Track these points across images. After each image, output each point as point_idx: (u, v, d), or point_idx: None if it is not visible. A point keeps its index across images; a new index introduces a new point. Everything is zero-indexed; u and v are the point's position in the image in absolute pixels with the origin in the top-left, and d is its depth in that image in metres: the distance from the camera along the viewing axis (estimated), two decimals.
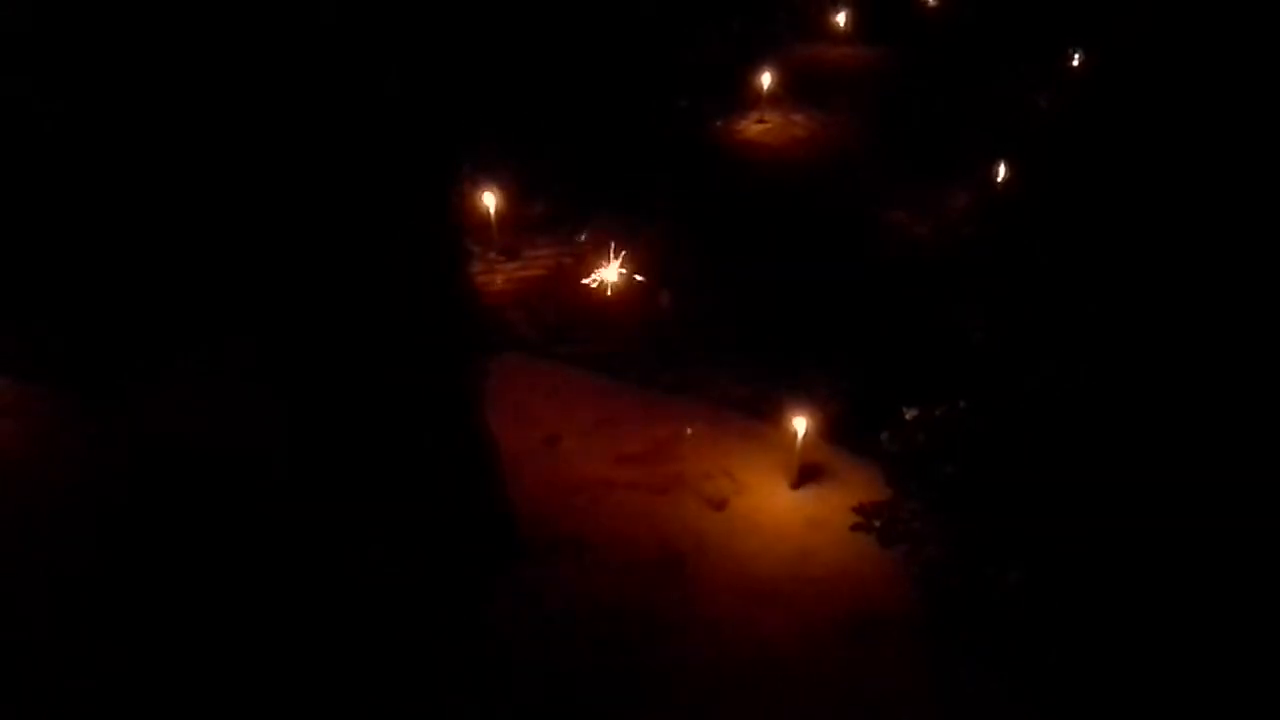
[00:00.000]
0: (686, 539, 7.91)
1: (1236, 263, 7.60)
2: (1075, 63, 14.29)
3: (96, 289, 7.88)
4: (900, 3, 16.92)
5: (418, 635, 6.95)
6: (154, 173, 7.16)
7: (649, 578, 7.59)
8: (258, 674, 6.58)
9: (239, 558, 7.12)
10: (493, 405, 7.72)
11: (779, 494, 8.33)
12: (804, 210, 11.95)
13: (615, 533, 7.93)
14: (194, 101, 6.67)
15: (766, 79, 13.92)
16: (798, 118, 13.97)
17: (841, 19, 16.17)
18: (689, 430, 8.74)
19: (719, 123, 13.73)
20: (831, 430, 8.65)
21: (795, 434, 8.15)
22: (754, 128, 13.71)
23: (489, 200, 10.94)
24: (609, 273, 10.58)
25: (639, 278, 10.59)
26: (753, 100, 13.98)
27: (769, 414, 8.86)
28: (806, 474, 8.39)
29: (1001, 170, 12.04)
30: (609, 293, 10.53)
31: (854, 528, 7.89)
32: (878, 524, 7.83)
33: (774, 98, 14.08)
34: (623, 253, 10.66)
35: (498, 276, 10.86)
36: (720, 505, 8.21)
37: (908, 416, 7.91)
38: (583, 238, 11.18)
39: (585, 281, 10.58)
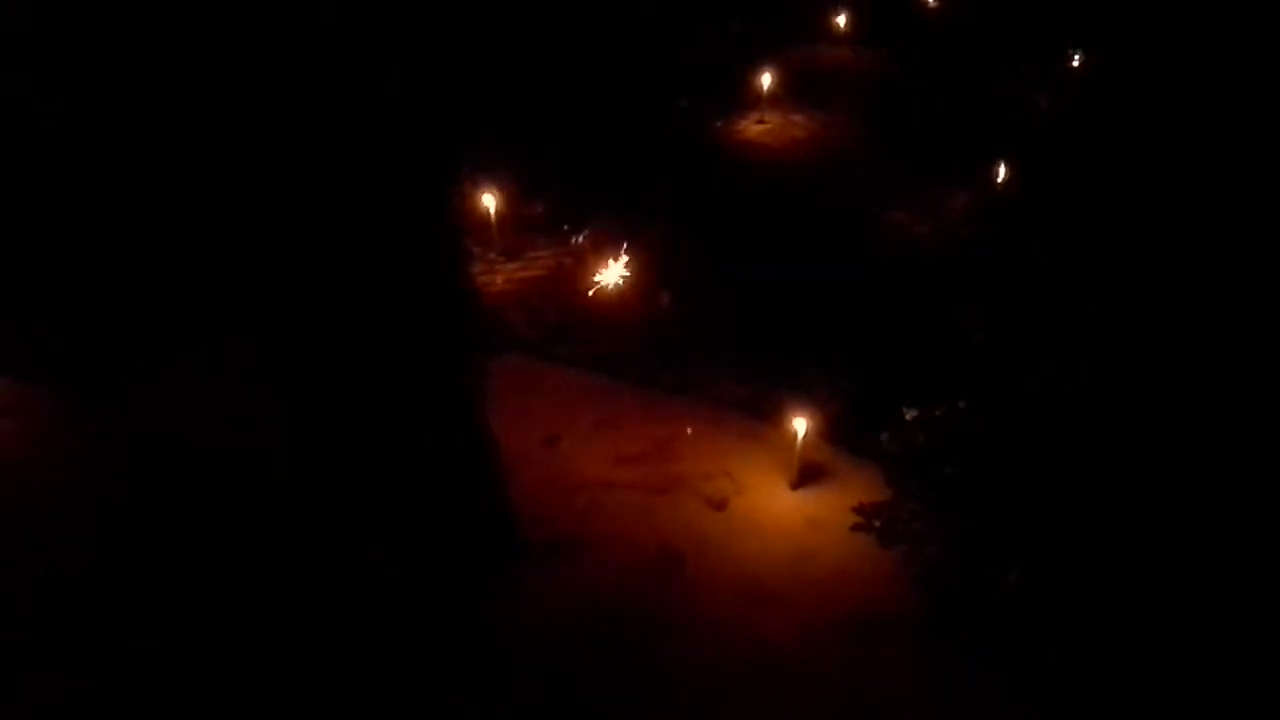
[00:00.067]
0: (686, 539, 7.90)
1: (1236, 263, 7.59)
2: (1075, 63, 14.29)
3: (96, 289, 7.87)
4: (900, 3, 16.93)
5: (418, 635, 6.95)
6: (154, 173, 7.16)
7: (649, 578, 7.59)
8: (258, 674, 6.57)
9: (239, 558, 7.12)
10: (493, 405, 7.72)
11: (779, 494, 8.33)
12: (804, 210, 11.95)
13: (615, 533, 7.93)
14: (194, 101, 6.67)
15: (766, 79, 13.92)
16: (798, 118, 13.97)
17: (841, 19, 16.17)
18: (689, 430, 8.74)
19: (719, 123, 13.74)
20: (831, 430, 8.65)
21: (795, 434, 8.15)
22: (754, 128, 13.72)
23: (489, 200, 10.94)
24: (610, 275, 10.59)
25: (629, 265, 10.59)
26: (753, 100, 13.98)
27: (769, 414, 8.86)
28: (806, 474, 8.39)
29: (1001, 170, 12.05)
30: (608, 290, 10.53)
31: (854, 528, 7.88)
32: (878, 524, 7.83)
33: (774, 98, 14.09)
34: (623, 254, 10.66)
35: (498, 276, 10.86)
36: (720, 505, 8.21)
37: (908, 417, 7.91)
38: (580, 239, 11.18)
39: (590, 292, 10.58)
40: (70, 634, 6.77)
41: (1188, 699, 6.30)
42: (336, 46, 6.33)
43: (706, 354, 9.91)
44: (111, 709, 6.41)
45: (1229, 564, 6.43)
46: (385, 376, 6.99)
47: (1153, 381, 7.14)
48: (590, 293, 10.53)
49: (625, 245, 10.75)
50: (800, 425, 8.13)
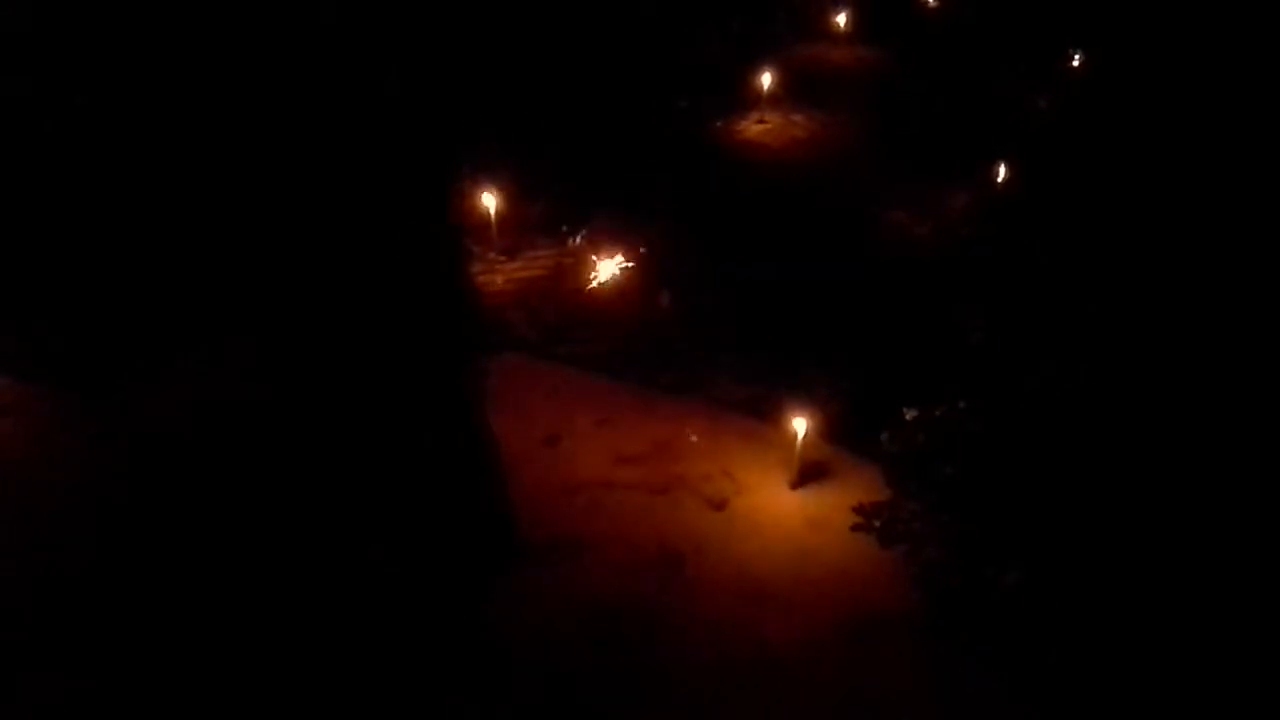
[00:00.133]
0: (686, 539, 7.90)
1: (1236, 263, 7.59)
2: (1075, 63, 14.29)
3: (96, 289, 7.88)
4: (900, 3, 16.93)
5: (418, 635, 6.95)
6: (154, 173, 7.17)
7: (649, 578, 7.59)
8: (258, 674, 6.57)
9: (239, 558, 7.12)
10: (493, 405, 7.73)
11: (779, 494, 8.33)
12: (804, 210, 11.95)
13: (615, 533, 7.93)
14: (194, 102, 6.67)
15: (766, 79, 13.92)
16: (798, 118, 13.97)
17: (842, 19, 16.16)
18: (694, 438, 8.70)
19: (719, 123, 13.73)
20: (831, 430, 8.65)
21: (795, 434, 8.15)
22: (754, 128, 13.71)
23: (489, 200, 10.94)
24: (606, 271, 10.58)
25: (629, 264, 10.58)
26: (753, 100, 13.98)
27: (769, 414, 8.86)
28: (806, 474, 8.39)
29: (1001, 171, 12.05)
30: (608, 290, 10.52)
31: (854, 528, 7.87)
32: (878, 524, 7.82)
33: (774, 98, 14.08)
34: (620, 252, 10.66)
35: (498, 276, 10.86)
36: (720, 506, 8.21)
37: (908, 417, 7.90)
38: (580, 239, 11.18)
39: (589, 287, 10.59)
40: (70, 634, 6.77)
41: (1188, 698, 6.30)
42: (337, 46, 6.34)
43: (706, 354, 9.91)
44: (111, 709, 6.41)
45: (1229, 564, 6.43)
46: (385, 376, 6.99)
47: (1153, 381, 7.14)
48: (587, 289, 10.53)
49: (623, 243, 10.75)
50: (800, 425, 8.13)
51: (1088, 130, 11.14)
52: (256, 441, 7.52)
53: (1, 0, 6.97)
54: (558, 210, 11.61)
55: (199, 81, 6.58)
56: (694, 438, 8.69)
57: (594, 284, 10.59)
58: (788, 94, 14.27)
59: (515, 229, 11.27)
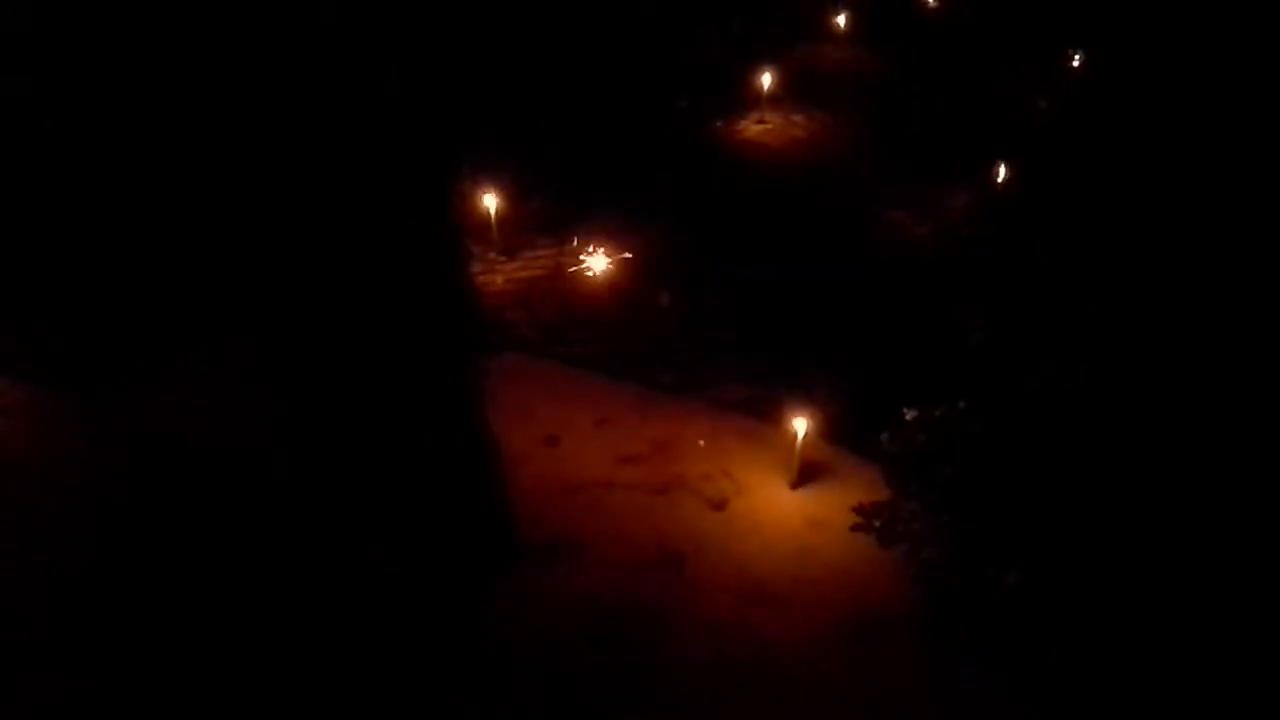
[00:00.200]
0: (686, 539, 7.91)
1: (1237, 263, 7.59)
2: (1075, 63, 14.30)
3: (96, 289, 7.88)
4: (900, 3, 16.94)
5: (418, 635, 6.95)
6: (154, 172, 7.17)
7: (649, 578, 7.59)
8: (258, 674, 6.57)
9: (239, 558, 7.12)
10: (493, 405, 7.72)
11: (779, 494, 8.33)
12: (804, 210, 11.95)
13: (615, 533, 7.93)
14: (194, 101, 6.67)
15: (766, 79, 13.92)
16: (798, 118, 13.97)
17: (841, 20, 16.16)
18: (701, 443, 8.68)
19: (719, 123, 13.73)
20: (831, 430, 8.65)
21: (795, 434, 8.15)
22: (754, 128, 13.72)
23: (489, 201, 10.94)
24: (599, 263, 10.60)
25: (623, 257, 10.59)
26: (753, 101, 13.98)
27: (769, 414, 8.86)
28: (806, 474, 8.39)
29: (1001, 171, 12.05)
30: (598, 278, 10.54)
31: (854, 528, 7.88)
32: (877, 524, 7.82)
33: (774, 98, 14.08)
34: (613, 244, 10.67)
35: (498, 276, 10.86)
36: (720, 506, 8.22)
37: (908, 417, 7.90)
38: (580, 239, 11.19)
39: (572, 270, 10.58)
40: (70, 634, 6.77)
41: (1188, 699, 6.30)
42: (336, 46, 6.34)
43: (706, 354, 9.91)
44: (111, 709, 6.41)
45: (1229, 564, 6.43)
46: (385, 376, 6.99)
47: (1153, 382, 7.14)
48: (578, 280, 10.52)
49: (621, 241, 10.77)
50: (800, 425, 8.13)
51: (1088, 130, 11.15)
52: (256, 441, 7.52)
53: (2, 0, 6.98)
54: (557, 210, 11.61)
55: (199, 81, 6.58)
56: (701, 443, 8.66)
57: (585, 274, 10.55)
58: (788, 94, 14.27)
59: (515, 229, 11.28)
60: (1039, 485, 7.01)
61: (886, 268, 10.96)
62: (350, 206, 6.57)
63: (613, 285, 10.69)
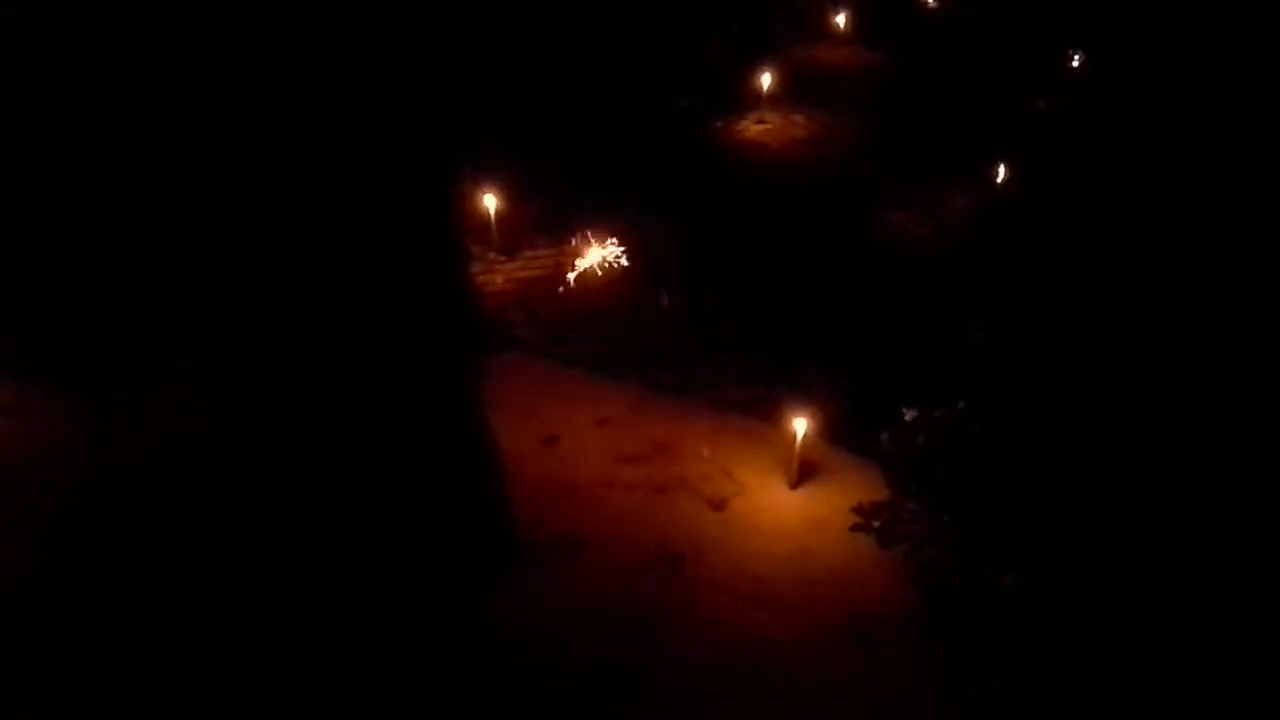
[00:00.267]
0: (686, 539, 7.91)
1: (1237, 263, 7.60)
2: (1075, 64, 14.30)
3: (97, 289, 7.89)
4: (900, 4, 16.95)
5: (418, 635, 6.95)
6: (154, 173, 7.17)
7: (648, 578, 7.59)
8: (258, 674, 6.58)
9: (239, 558, 7.13)
10: (493, 405, 7.72)
11: (778, 495, 8.33)
12: (804, 210, 11.96)
13: (615, 533, 7.93)
14: (194, 101, 6.67)
15: (766, 80, 13.93)
16: (798, 118, 13.98)
17: (841, 20, 16.19)
18: (706, 452, 8.63)
19: (719, 123, 13.74)
20: (831, 430, 8.65)
21: (795, 434, 8.15)
22: (754, 128, 13.73)
23: (489, 201, 10.95)
24: (595, 256, 10.62)
25: (618, 251, 10.61)
26: (752, 101, 13.99)
27: (769, 414, 8.86)
28: (806, 474, 8.40)
29: (1001, 171, 12.06)
30: (598, 276, 10.55)
31: (853, 528, 7.88)
32: (877, 525, 7.83)
33: (774, 98, 14.10)
34: (609, 241, 10.69)
35: (498, 276, 10.87)
36: (720, 506, 8.22)
37: (907, 417, 7.90)
38: (579, 238, 11.19)
39: (572, 269, 10.59)
40: (70, 634, 6.77)
41: (1189, 699, 6.30)
42: (336, 46, 6.33)
43: (706, 354, 9.92)
44: (111, 709, 6.42)
45: (1229, 565, 6.44)
46: (385, 376, 6.99)
47: (1153, 382, 7.14)
48: (572, 278, 10.53)
49: (617, 236, 10.78)
50: (800, 425, 8.13)
51: (1088, 131, 11.16)
52: (256, 441, 7.53)
53: (2, 0, 6.98)
54: (557, 210, 11.63)
55: (199, 81, 6.58)
56: (706, 452, 8.62)
57: (579, 270, 10.57)
58: (787, 94, 14.29)
59: (515, 229, 11.29)
60: (1039, 485, 7.02)
61: (886, 268, 10.96)
62: (350, 206, 6.57)
63: (613, 285, 10.69)
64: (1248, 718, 6.24)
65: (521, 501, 7.82)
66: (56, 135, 7.25)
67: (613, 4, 13.66)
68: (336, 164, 6.49)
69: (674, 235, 11.34)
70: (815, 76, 14.99)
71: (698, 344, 10.02)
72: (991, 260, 9.64)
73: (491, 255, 11.03)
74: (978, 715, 6.80)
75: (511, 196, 11.21)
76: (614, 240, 10.97)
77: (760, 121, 13.79)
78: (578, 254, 11.01)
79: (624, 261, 10.74)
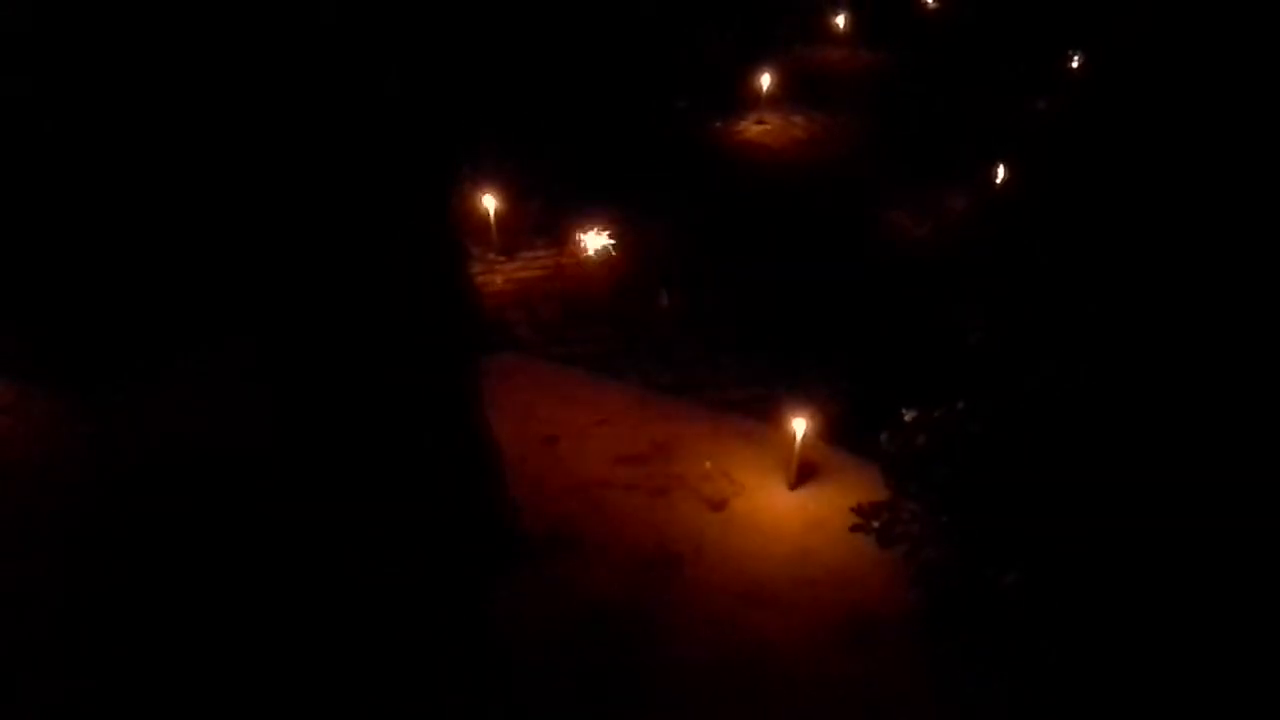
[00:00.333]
0: (686, 539, 7.91)
1: (1237, 264, 7.59)
2: (1075, 64, 14.30)
3: (97, 289, 7.89)
4: (900, 4, 16.95)
5: (418, 635, 6.95)
6: (154, 173, 7.17)
7: (648, 578, 7.59)
8: (258, 674, 6.58)
9: (239, 558, 7.13)
10: (493, 405, 7.73)
11: (778, 495, 8.33)
12: (804, 211, 11.96)
13: (614, 533, 7.94)
14: (194, 101, 6.68)
15: (766, 80, 13.93)
16: (797, 119, 13.98)
17: (841, 20, 16.18)
18: (708, 464, 8.60)
19: (718, 123, 13.74)
20: (831, 431, 8.65)
21: (794, 435, 8.15)
22: (753, 128, 13.72)
23: (488, 201, 10.95)
24: (594, 243, 10.66)
25: (614, 241, 10.63)
26: (752, 101, 13.99)
27: (768, 415, 8.86)
28: (805, 475, 8.40)
29: (1001, 171, 12.06)
30: (595, 263, 10.62)
31: (853, 529, 7.87)
32: (876, 525, 7.81)
33: (773, 99, 14.09)
34: (609, 240, 10.73)
35: (498, 276, 10.87)
36: (719, 506, 8.22)
37: (907, 417, 7.89)
38: (579, 238, 11.20)
39: (576, 260, 10.61)
40: (70, 634, 6.77)
41: (1189, 699, 6.30)
42: (336, 46, 6.34)
43: (706, 354, 9.92)
44: (111, 709, 6.42)
45: (1230, 564, 6.43)
46: (385, 376, 7.00)
47: (1153, 382, 7.14)
48: (571, 278, 10.54)
49: (613, 234, 10.80)
50: (800, 425, 8.13)
51: (1087, 131, 11.16)
52: (256, 441, 7.53)
53: (2, 0, 6.98)
54: (556, 210, 11.63)
55: (199, 81, 6.58)
56: (708, 465, 8.60)
57: (582, 256, 10.58)
58: (787, 95, 14.28)
59: (514, 229, 11.29)
60: (1039, 486, 7.01)
61: (886, 268, 10.96)
62: (350, 207, 6.57)
63: (612, 285, 10.69)
64: (1248, 716, 6.24)
65: (521, 501, 7.83)
66: (56, 135, 7.25)
67: (612, 4, 13.66)
68: (336, 164, 6.49)
69: (674, 235, 11.34)
70: (815, 77, 14.98)
71: (698, 344, 10.02)
72: (991, 260, 9.62)
73: (491, 255, 11.02)
74: (978, 715, 6.80)
75: (511, 197, 11.20)
76: (614, 240, 10.98)
77: (760, 122, 13.78)
78: (577, 254, 11.01)
79: (623, 262, 10.74)
